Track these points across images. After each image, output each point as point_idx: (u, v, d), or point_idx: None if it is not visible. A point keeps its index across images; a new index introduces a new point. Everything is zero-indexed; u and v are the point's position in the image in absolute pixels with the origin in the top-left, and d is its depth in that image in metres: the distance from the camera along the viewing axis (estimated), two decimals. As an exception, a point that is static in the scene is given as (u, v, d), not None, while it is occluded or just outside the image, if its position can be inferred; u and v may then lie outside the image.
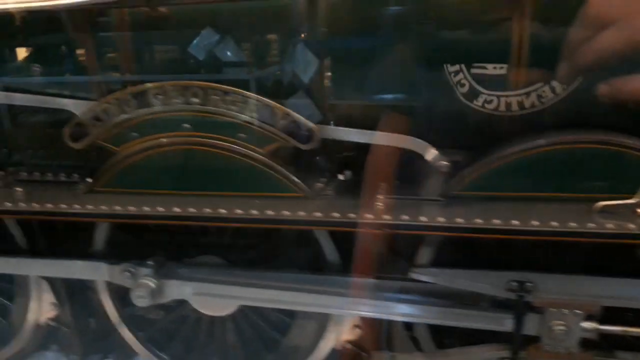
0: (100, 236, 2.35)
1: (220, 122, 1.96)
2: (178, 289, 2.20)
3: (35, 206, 2.09)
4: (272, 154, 1.97)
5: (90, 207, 2.04)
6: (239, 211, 1.92)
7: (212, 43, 1.97)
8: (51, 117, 2.32)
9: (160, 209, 1.97)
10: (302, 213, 1.89)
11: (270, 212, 1.91)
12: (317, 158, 2.06)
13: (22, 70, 2.23)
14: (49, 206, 2.07)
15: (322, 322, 2.30)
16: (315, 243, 2.18)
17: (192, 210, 1.95)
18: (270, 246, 2.24)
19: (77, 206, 2.05)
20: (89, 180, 2.21)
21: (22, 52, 2.25)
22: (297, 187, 1.97)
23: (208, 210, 1.94)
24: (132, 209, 1.99)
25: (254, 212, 1.91)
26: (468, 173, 1.85)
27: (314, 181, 2.05)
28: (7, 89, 2.24)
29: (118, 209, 2.01)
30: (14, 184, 2.33)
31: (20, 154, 2.43)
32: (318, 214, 1.87)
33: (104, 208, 2.02)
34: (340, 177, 2.11)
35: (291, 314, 2.37)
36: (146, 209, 1.99)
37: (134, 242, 2.33)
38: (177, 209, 1.96)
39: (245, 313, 2.39)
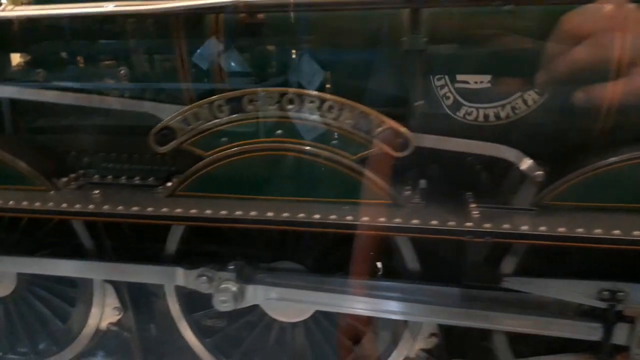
0: (174, 240, 2.33)
1: (315, 129, 1.98)
2: (259, 294, 2.19)
3: (119, 209, 2.07)
4: (362, 161, 1.99)
5: (179, 210, 2.02)
6: (332, 217, 1.93)
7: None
8: (127, 121, 2.32)
9: (253, 213, 1.97)
10: (398, 220, 1.90)
11: (364, 218, 1.92)
12: (406, 166, 2.07)
13: (107, 74, 2.21)
14: (135, 209, 2.05)
15: (397, 329, 2.30)
16: (396, 250, 2.19)
17: (285, 215, 1.95)
18: (351, 253, 2.24)
19: (165, 209, 2.04)
20: (169, 184, 2.21)
21: (105, 55, 2.24)
22: (387, 194, 1.98)
23: (302, 215, 1.95)
24: (223, 212, 1.99)
25: (349, 217, 1.92)
26: (561, 183, 1.88)
27: (402, 188, 2.07)
28: (86, 91, 2.24)
29: (208, 212, 2.00)
30: (87, 187, 2.32)
31: (91, 157, 2.41)
32: (415, 221, 1.89)
33: (193, 211, 2.01)
34: (422, 184, 2.14)
35: (363, 321, 2.37)
36: (238, 212, 1.98)
37: (209, 248, 2.33)
38: (270, 214, 1.96)
39: (317, 319, 2.39)
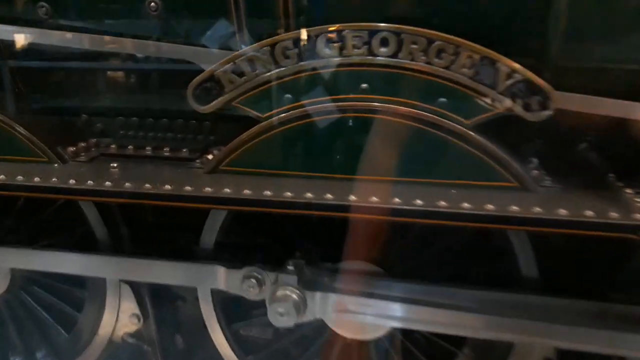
0: (212, 230, 1.80)
1: (416, 81, 1.44)
2: (329, 305, 1.66)
3: (145, 187, 1.54)
4: (479, 127, 1.45)
5: (227, 190, 1.49)
6: (441, 203, 1.40)
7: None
8: (154, 73, 1.79)
9: (329, 196, 1.44)
10: (537, 209, 1.36)
11: (487, 206, 1.38)
12: (536, 135, 1.54)
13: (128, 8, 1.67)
14: (167, 187, 1.52)
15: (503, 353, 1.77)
16: (506, 251, 1.66)
17: (374, 199, 1.42)
18: (456, 253, 1.71)
19: (207, 189, 1.50)
20: (210, 156, 1.68)
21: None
22: (512, 174, 1.45)
23: (397, 200, 1.42)
24: (288, 194, 1.46)
25: (443, 203, 1.39)
26: None
27: (528, 167, 1.54)
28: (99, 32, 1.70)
29: (268, 193, 1.47)
30: (101, 159, 1.79)
31: (107, 122, 1.89)
32: (561, 212, 1.35)
33: (247, 192, 1.48)
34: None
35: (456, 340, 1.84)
36: (308, 195, 1.45)
37: (259, 240, 1.80)
38: (352, 197, 1.43)
39: (395, 337, 1.85)
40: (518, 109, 1.41)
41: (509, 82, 1.39)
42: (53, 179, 1.62)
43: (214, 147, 1.76)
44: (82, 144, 1.81)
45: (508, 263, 1.67)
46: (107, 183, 1.56)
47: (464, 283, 1.68)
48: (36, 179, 1.63)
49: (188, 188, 1.51)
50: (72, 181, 1.60)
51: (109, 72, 1.86)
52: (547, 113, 1.40)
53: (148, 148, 1.78)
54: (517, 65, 1.38)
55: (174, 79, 1.72)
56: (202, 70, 1.56)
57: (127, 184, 1.55)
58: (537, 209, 1.36)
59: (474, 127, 1.45)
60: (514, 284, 1.67)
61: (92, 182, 1.58)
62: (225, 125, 1.73)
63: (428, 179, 1.50)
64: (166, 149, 1.78)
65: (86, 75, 1.87)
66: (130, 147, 1.80)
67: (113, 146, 1.82)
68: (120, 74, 1.85)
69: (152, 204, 1.53)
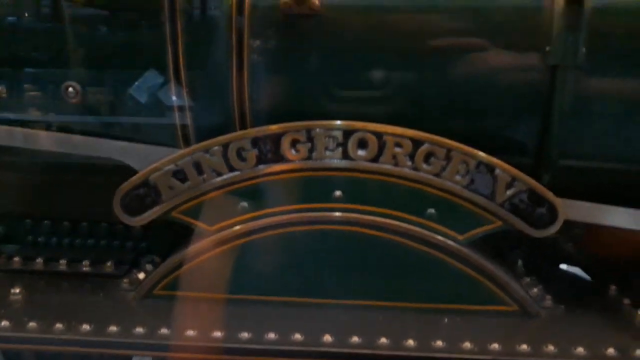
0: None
1: (400, 189, 1.20)
2: None
3: (57, 329, 1.17)
4: (474, 242, 1.22)
5: (165, 330, 1.15)
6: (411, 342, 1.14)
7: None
8: (71, 168, 1.45)
9: (297, 336, 1.14)
10: (551, 348, 1.13)
11: (487, 347, 1.13)
12: (537, 248, 1.33)
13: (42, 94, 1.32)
14: (85, 328, 1.16)
15: None
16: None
17: (354, 340, 1.14)
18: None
19: (140, 329, 1.16)
20: (141, 274, 1.35)
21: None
22: (511, 296, 1.22)
23: (384, 342, 1.14)
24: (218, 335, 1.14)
25: (440, 343, 1.13)
26: None
27: (527, 285, 1.32)
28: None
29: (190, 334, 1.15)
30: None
31: (9, 224, 1.51)
32: (580, 350, 1.12)
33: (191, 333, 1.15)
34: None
35: None
36: (271, 336, 1.14)
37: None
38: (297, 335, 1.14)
39: None
40: (520, 224, 1.19)
41: (510, 192, 1.18)
42: None
43: (146, 258, 1.42)
44: (-25, 255, 1.42)
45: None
46: (4, 323, 1.17)
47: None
48: None
49: (113, 329, 1.16)
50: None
51: (13, 163, 1.48)
52: (554, 228, 1.19)
53: (62, 261, 1.41)
54: (517, 172, 1.17)
55: (96, 172, 1.38)
56: (129, 170, 1.25)
57: (31, 324, 1.17)
58: (551, 348, 1.12)
59: (468, 243, 1.22)
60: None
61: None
62: (158, 230, 1.41)
63: (415, 304, 1.24)
64: (85, 261, 1.41)
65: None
66: (38, 259, 1.42)
67: (16, 258, 1.43)
68: (28, 165, 1.48)
69: (68, 351, 1.16)
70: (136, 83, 1.26)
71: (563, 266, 1.44)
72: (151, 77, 1.26)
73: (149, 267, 1.38)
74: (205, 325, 1.15)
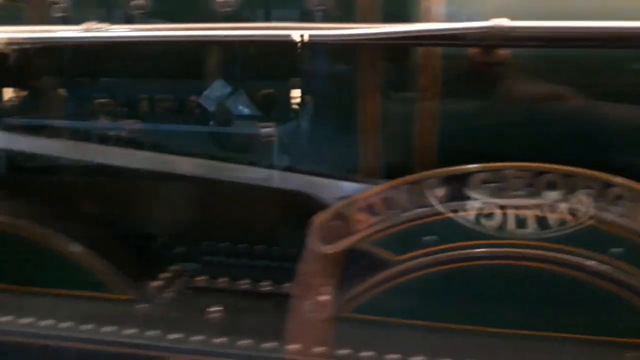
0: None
1: (586, 229, 1.24)
2: None
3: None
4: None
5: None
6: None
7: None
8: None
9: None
10: None
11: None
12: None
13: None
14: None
15: None
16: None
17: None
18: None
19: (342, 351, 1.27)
20: (321, 297, 1.45)
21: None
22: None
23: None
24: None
25: None
26: None
27: None
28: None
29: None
30: (188, 293, 1.55)
31: (191, 244, 1.66)
32: None
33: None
34: None
35: None
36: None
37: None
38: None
39: None
40: None
41: None
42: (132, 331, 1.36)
43: (319, 282, 1.53)
44: (167, 274, 1.58)
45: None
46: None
47: None
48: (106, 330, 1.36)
49: (316, 349, 1.27)
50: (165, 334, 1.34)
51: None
52: None
53: (246, 279, 1.54)
54: None
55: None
56: (318, 202, 1.36)
57: (239, 343, 1.30)
58: None
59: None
60: None
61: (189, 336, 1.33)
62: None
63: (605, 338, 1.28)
64: (267, 281, 1.54)
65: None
66: (223, 278, 1.56)
67: (202, 277, 1.57)
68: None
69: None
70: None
71: None
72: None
73: (323, 289, 1.48)
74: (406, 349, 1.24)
